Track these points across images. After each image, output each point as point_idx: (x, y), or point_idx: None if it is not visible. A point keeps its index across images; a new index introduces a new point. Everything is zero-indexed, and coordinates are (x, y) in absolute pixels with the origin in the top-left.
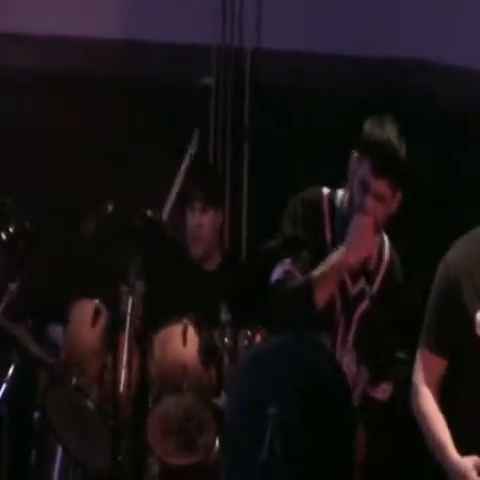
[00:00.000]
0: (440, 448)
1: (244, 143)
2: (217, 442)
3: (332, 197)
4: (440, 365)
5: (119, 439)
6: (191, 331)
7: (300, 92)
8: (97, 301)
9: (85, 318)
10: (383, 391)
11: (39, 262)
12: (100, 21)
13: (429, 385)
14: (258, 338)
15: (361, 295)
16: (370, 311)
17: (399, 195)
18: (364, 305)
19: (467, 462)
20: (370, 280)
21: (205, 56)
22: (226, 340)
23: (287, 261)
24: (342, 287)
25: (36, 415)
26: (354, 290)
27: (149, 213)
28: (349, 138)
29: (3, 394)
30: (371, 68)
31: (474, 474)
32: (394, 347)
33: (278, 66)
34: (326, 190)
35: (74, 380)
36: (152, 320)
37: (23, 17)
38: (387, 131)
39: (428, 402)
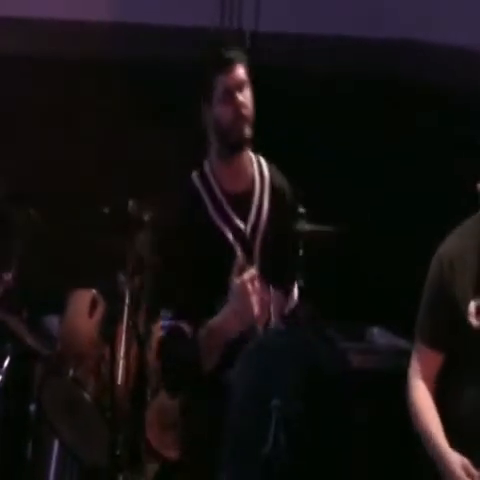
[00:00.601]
0: (430, 439)
1: None
2: None
3: (202, 171)
4: (435, 359)
5: (116, 432)
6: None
7: (300, 74)
8: (94, 291)
9: (82, 309)
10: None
11: (35, 251)
12: (97, 4)
13: (423, 379)
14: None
15: (254, 229)
16: (267, 235)
17: (248, 70)
18: (261, 233)
19: (456, 460)
20: (258, 211)
21: (203, 39)
22: None
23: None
24: (235, 232)
25: (32, 407)
26: (248, 227)
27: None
28: (349, 120)
29: None
30: (372, 49)
31: (463, 474)
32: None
33: (277, 49)
34: (194, 172)
35: (71, 372)
36: (153, 311)
37: (17, 1)
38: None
39: (420, 395)
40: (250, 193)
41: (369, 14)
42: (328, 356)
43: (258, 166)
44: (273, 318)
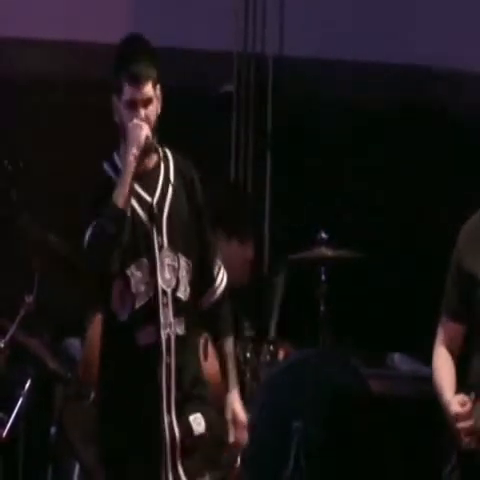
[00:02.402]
0: (440, 392)
1: (267, 152)
2: (239, 459)
3: (112, 163)
4: (457, 331)
5: None
6: (211, 345)
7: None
8: None
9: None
10: (213, 293)
11: (57, 275)
12: (122, 27)
13: (446, 347)
14: (281, 353)
15: (162, 199)
16: (173, 207)
17: (159, 90)
18: (167, 206)
19: (453, 399)
20: (166, 181)
21: (227, 63)
22: (248, 355)
23: None
24: (142, 203)
25: (53, 430)
26: (154, 199)
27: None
28: (372, 147)
29: (19, 409)
30: (395, 76)
31: (455, 406)
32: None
33: (300, 73)
34: (105, 162)
35: (92, 395)
36: None
37: (29, 22)
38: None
39: (440, 358)
40: (156, 172)
41: (392, 40)
42: (352, 381)
43: (163, 153)
44: (181, 285)
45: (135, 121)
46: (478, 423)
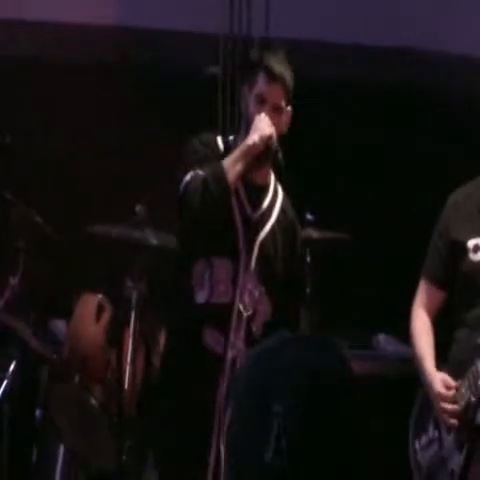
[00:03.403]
0: (420, 361)
1: None
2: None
3: (225, 141)
4: (438, 296)
5: (123, 438)
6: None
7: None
8: (101, 296)
9: (88, 313)
10: None
11: (41, 256)
12: (108, 9)
13: (425, 310)
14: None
15: (262, 220)
16: (270, 236)
17: (290, 110)
18: (265, 231)
19: (436, 377)
20: (271, 205)
21: (213, 45)
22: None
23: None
24: (242, 212)
25: (38, 412)
26: (255, 214)
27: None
28: (364, 128)
29: (4, 391)
30: (384, 57)
31: (438, 385)
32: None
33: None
34: (219, 137)
35: (77, 377)
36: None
37: (26, 3)
38: (273, 51)
39: (419, 321)
40: (265, 189)
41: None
42: (332, 363)
43: (275, 184)
44: (258, 319)
45: (264, 115)
46: (461, 405)
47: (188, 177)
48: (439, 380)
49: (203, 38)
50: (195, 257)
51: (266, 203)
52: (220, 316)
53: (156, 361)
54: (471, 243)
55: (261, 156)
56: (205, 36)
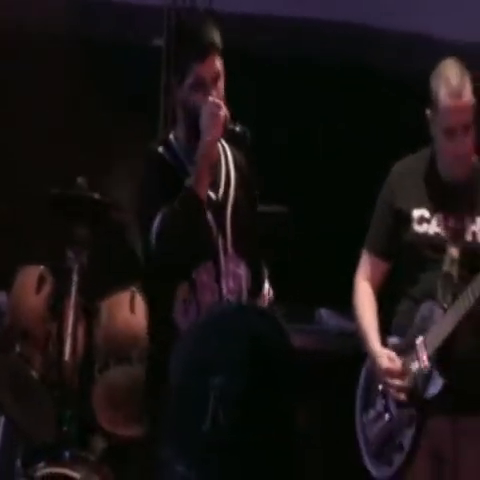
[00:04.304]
0: (364, 335)
1: None
2: None
3: (168, 147)
4: (381, 268)
5: (64, 409)
6: (139, 299)
7: (253, 55)
8: (42, 267)
9: (29, 284)
10: (263, 298)
11: None
12: None
13: (368, 282)
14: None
15: (225, 199)
16: (236, 208)
17: (222, 60)
18: (231, 205)
19: (383, 353)
20: (227, 177)
21: (157, 17)
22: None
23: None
24: (207, 198)
25: None
26: (218, 196)
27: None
28: (302, 103)
29: None
30: (326, 33)
31: (384, 360)
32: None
33: (231, 28)
34: (160, 147)
35: (17, 348)
36: (99, 287)
37: None
38: (185, 29)
39: (362, 294)
40: (218, 166)
41: None
42: (272, 334)
43: (221, 145)
44: (243, 296)
45: (211, 99)
46: (409, 380)
47: (157, 221)
48: (385, 356)
49: (147, 10)
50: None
51: (223, 177)
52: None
53: (96, 332)
54: (416, 213)
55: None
56: (149, 8)
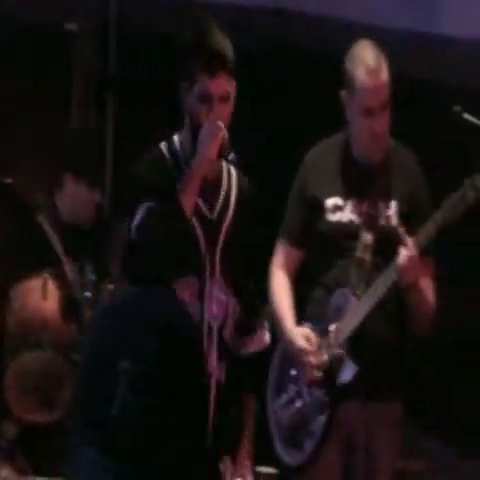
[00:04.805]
0: (280, 319)
1: (109, 94)
2: None
3: (170, 146)
4: (296, 256)
5: None
6: (51, 285)
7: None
8: None
9: None
10: (258, 340)
11: None
12: None
13: (283, 269)
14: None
15: (221, 218)
16: (231, 233)
17: (234, 84)
18: (225, 228)
19: (298, 331)
20: (226, 200)
21: (70, 2)
22: (87, 294)
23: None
24: (200, 215)
25: None
26: (213, 214)
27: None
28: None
29: None
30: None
31: (301, 340)
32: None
33: (147, 13)
34: (163, 143)
35: None
36: (10, 273)
37: None
38: (200, 33)
39: (277, 281)
40: (218, 184)
41: None
42: (181, 319)
43: (226, 164)
44: (228, 325)
45: (213, 120)
46: (324, 358)
47: (140, 213)
48: (301, 335)
49: None
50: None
51: (221, 198)
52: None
53: (8, 318)
54: (329, 202)
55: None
56: None
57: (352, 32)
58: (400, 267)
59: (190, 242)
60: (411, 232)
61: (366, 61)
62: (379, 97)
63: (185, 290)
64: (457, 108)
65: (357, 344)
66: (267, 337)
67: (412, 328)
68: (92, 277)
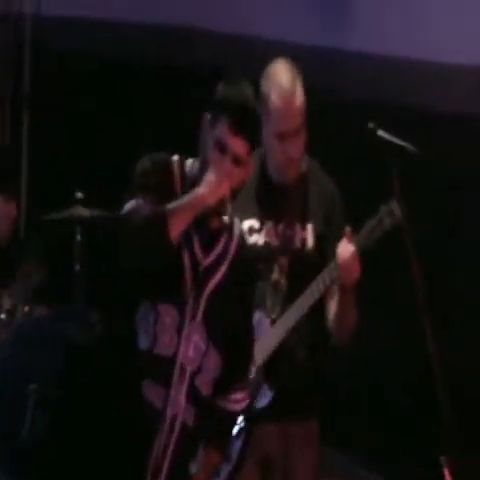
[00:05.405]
0: None
1: (24, 112)
2: None
3: (182, 164)
4: None
5: None
6: None
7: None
8: None
9: None
10: (236, 401)
11: None
12: None
13: None
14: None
15: (213, 267)
16: (222, 285)
17: (252, 159)
18: (216, 279)
19: None
20: (224, 251)
21: None
22: (1, 315)
23: (139, 199)
24: (192, 257)
25: None
26: (206, 261)
27: None
28: (136, 105)
29: None
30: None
31: None
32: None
33: (60, 32)
34: (175, 157)
35: None
36: None
37: None
38: (243, 90)
39: None
40: (220, 235)
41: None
42: (88, 341)
43: (230, 222)
44: (203, 376)
45: (221, 167)
46: None
47: (129, 205)
48: None
49: None
50: (137, 297)
51: (219, 248)
52: (162, 369)
53: None
54: (246, 224)
55: (212, 209)
56: None
57: (264, 49)
58: (342, 261)
59: (172, 269)
60: (327, 254)
61: (281, 85)
62: (293, 122)
63: (167, 316)
64: (371, 125)
65: (273, 368)
66: (244, 403)
67: (334, 342)
68: (7, 301)
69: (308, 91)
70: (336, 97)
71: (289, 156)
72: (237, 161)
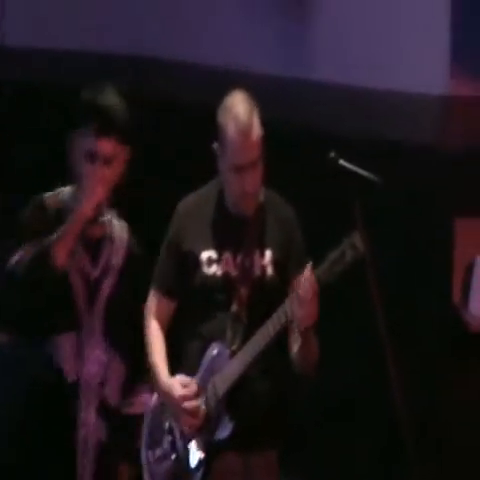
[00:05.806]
0: (152, 367)
1: None
2: None
3: (56, 197)
4: (168, 306)
5: None
6: None
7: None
8: None
9: None
10: (141, 404)
11: None
12: None
13: (157, 319)
14: None
15: (101, 280)
16: (115, 292)
17: (126, 154)
18: (106, 291)
19: (173, 381)
20: (108, 263)
21: None
22: None
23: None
24: (81, 271)
25: None
26: (94, 274)
27: None
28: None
29: None
30: (114, 64)
31: (178, 388)
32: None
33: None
34: (48, 193)
35: None
36: None
37: None
38: (102, 92)
39: (153, 333)
40: (103, 242)
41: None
42: (47, 373)
43: (109, 222)
44: (110, 386)
45: (93, 175)
46: (202, 408)
47: (17, 257)
48: (177, 383)
49: None
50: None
51: (104, 260)
52: (73, 393)
53: None
54: (204, 255)
55: (90, 216)
56: None
57: (224, 78)
58: (301, 296)
59: (65, 296)
60: (288, 280)
61: (237, 117)
62: (249, 155)
63: (63, 346)
64: (332, 154)
65: (234, 399)
66: (152, 400)
67: (297, 375)
68: None
69: (270, 122)
70: (299, 128)
71: (245, 190)
72: (107, 161)
